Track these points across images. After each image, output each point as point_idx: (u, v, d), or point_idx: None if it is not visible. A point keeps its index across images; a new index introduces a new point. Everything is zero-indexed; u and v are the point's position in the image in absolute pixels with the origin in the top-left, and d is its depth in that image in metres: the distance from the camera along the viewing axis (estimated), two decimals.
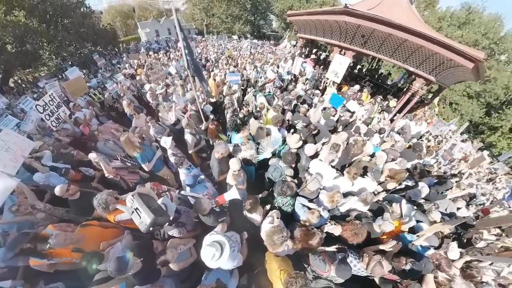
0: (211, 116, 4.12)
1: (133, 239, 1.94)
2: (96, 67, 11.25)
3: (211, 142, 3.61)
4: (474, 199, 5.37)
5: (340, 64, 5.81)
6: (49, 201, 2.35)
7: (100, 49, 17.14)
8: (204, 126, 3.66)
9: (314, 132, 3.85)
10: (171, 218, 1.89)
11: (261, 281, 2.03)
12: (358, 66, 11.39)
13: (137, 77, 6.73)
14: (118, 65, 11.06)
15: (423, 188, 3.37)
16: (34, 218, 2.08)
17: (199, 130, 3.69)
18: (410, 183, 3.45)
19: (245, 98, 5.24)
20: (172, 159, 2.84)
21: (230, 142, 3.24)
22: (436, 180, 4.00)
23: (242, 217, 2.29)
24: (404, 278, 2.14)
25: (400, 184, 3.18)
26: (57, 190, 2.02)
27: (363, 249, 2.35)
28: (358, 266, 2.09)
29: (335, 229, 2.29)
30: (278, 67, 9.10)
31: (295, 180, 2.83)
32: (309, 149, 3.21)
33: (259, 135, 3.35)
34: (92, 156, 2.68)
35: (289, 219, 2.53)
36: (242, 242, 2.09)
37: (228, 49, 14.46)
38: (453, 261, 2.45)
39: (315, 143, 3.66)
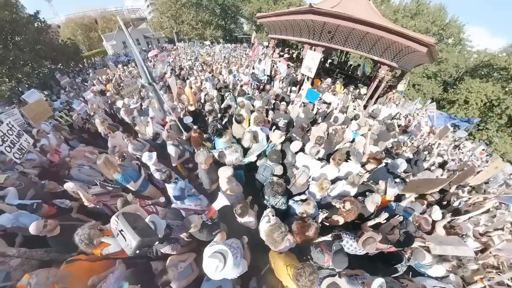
0: (192, 125, 3.98)
1: (127, 267, 1.79)
2: (59, 87, 10.21)
3: (196, 152, 3.50)
4: (446, 165, 5.94)
5: (312, 59, 6.02)
6: (23, 244, 2.05)
7: (62, 67, 15.63)
8: (186, 136, 3.53)
9: (307, 129, 3.95)
10: (161, 236, 1.79)
11: (270, 281, 2.00)
12: (329, 60, 11.90)
13: (108, 93, 6.16)
14: (85, 83, 10.15)
15: (402, 164, 3.70)
16: (8, 267, 1.80)
17: (182, 141, 3.55)
18: (389, 161, 3.79)
19: (224, 103, 5.17)
20: (156, 175, 2.68)
21: (214, 148, 3.17)
22: (411, 155, 4.45)
23: (239, 223, 2.25)
24: (400, 247, 2.30)
25: (380, 163, 3.44)
26: (33, 228, 1.77)
27: (361, 226, 2.50)
28: (354, 246, 2.14)
29: (336, 217, 2.38)
30: (253, 68, 9.15)
31: (283, 178, 2.85)
32: (295, 145, 3.30)
33: (247, 139, 3.32)
34: (69, 186, 2.40)
35: (285, 216, 2.54)
36: (244, 246, 2.04)
37: (202, 55, 14.21)
38: (437, 221, 2.83)
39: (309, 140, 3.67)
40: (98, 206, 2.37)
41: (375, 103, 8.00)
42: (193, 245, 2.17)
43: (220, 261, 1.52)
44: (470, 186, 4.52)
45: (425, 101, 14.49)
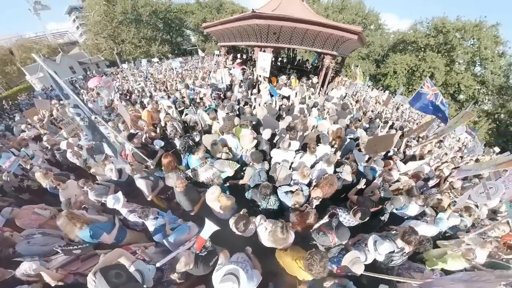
0: (158, 148, 3.54)
1: None
2: None
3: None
4: (394, 125, 7.06)
5: (264, 60, 6.22)
6: None
7: None
8: (152, 163, 3.16)
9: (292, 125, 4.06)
10: (150, 286, 1.55)
11: (286, 280, 1.97)
12: (280, 59, 12.46)
13: (44, 137, 4.81)
14: (8, 131, 7.54)
15: (362, 133, 4.44)
16: None
17: (151, 170, 3.18)
18: (352, 135, 4.40)
19: (188, 119, 4.86)
20: (131, 217, 2.32)
21: (188, 168, 2.95)
22: (367, 125, 5.26)
23: (236, 236, 2.12)
24: (383, 203, 2.67)
25: (345, 139, 3.97)
26: None
27: (348, 196, 2.74)
28: (347, 218, 2.34)
29: (316, 192, 2.53)
30: (210, 78, 8.94)
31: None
32: (266, 133, 3.49)
33: (216, 150, 3.18)
34: (25, 268, 1.72)
35: (278, 214, 2.55)
36: (250, 257, 1.94)
37: (152, 74, 13.22)
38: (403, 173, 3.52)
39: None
40: (68, 282, 1.81)
41: (327, 89, 8.74)
42: (193, 279, 1.95)
43: (234, 282, 1.42)
44: (419, 137, 5.82)
45: (364, 79, 16.65)
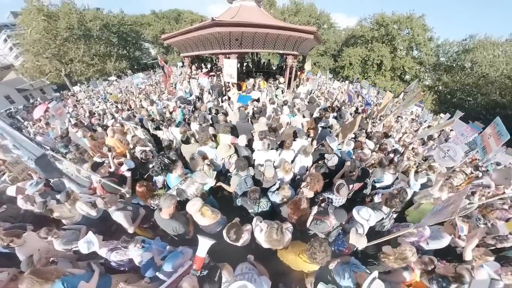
0: (128, 175, 3.04)
1: None
2: None
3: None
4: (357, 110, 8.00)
5: (230, 66, 6.25)
6: None
7: None
8: (127, 191, 2.86)
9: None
10: None
11: (295, 277, 1.97)
12: (245, 63, 12.62)
13: None
14: None
15: (333, 121, 4.93)
16: None
17: (127, 199, 2.86)
18: (323, 124, 4.75)
19: (160, 137, 4.56)
20: (114, 257, 2.05)
21: (169, 188, 2.78)
22: (335, 114, 5.71)
23: (234, 247, 2.03)
24: (363, 180, 2.95)
25: (317, 129, 4.35)
26: None
27: (333, 181, 2.88)
28: (335, 199, 2.51)
29: (308, 193, 2.60)
30: (175, 89, 8.60)
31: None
32: (241, 140, 3.55)
33: (195, 164, 3.07)
34: None
35: (272, 214, 2.56)
36: (254, 264, 1.90)
37: (111, 94, 12.14)
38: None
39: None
40: None
41: (294, 86, 9.16)
42: None
43: None
44: (381, 117, 6.62)
45: (325, 73, 18.25)
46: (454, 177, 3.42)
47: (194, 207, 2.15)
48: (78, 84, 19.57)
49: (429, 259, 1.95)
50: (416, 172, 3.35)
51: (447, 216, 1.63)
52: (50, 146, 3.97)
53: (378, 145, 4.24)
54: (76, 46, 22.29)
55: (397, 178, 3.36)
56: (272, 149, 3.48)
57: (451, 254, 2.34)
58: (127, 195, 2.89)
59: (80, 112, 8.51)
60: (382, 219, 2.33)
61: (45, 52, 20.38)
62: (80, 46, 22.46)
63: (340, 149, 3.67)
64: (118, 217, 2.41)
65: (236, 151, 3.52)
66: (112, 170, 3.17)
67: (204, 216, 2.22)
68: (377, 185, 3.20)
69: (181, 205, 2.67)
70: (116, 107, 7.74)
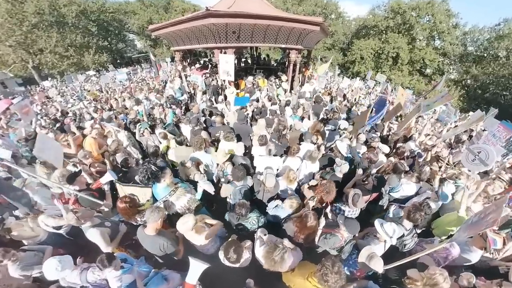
0: (107, 189, 2.92)
1: None
2: None
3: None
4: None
5: (227, 62, 6.40)
6: None
7: None
8: (107, 204, 2.82)
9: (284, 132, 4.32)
10: None
11: None
12: (243, 59, 12.87)
13: None
14: None
15: (342, 123, 4.92)
16: None
17: (105, 214, 2.79)
18: (330, 127, 4.84)
19: (145, 143, 4.56)
20: (90, 277, 1.94)
21: (156, 200, 2.74)
22: (346, 115, 5.81)
23: (231, 270, 2.05)
24: (379, 189, 2.96)
25: (324, 132, 4.38)
26: None
27: (344, 191, 2.93)
28: (347, 210, 2.52)
29: (309, 193, 2.68)
30: (165, 88, 8.72)
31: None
32: (239, 149, 3.61)
33: (186, 171, 3.11)
34: None
35: (274, 228, 2.57)
36: None
37: (89, 91, 12.24)
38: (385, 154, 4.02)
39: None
40: None
41: (299, 85, 9.33)
42: None
43: None
44: (397, 117, 6.80)
45: (334, 69, 18.42)
46: (491, 185, 3.24)
47: (186, 225, 2.11)
48: (49, 79, 19.28)
49: (467, 280, 1.89)
50: (443, 179, 3.28)
51: (486, 227, 1.64)
52: (13, 151, 3.95)
53: (394, 150, 4.32)
54: (47, 35, 21.31)
55: (421, 187, 3.30)
56: (275, 155, 3.54)
57: (483, 270, 2.30)
58: (107, 209, 2.81)
59: (51, 111, 8.31)
60: (403, 235, 2.27)
61: (8, 39, 19.37)
62: (52, 35, 21.53)
63: (349, 155, 3.69)
64: (93, 235, 2.26)
65: (230, 158, 3.59)
66: (89, 181, 3.05)
67: (198, 233, 2.17)
68: (395, 195, 3.16)
69: (169, 219, 2.71)
70: (95, 106, 7.78)
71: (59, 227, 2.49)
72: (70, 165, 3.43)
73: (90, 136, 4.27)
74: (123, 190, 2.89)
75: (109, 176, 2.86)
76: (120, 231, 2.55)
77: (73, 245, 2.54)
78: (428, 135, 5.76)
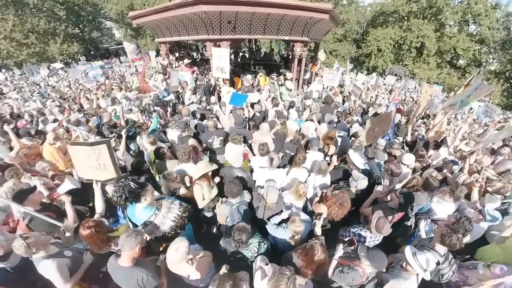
0: (67, 200, 2.70)
1: None
2: None
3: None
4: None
5: (221, 57, 6.53)
6: None
7: None
8: (67, 227, 2.63)
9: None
10: None
11: None
12: (240, 54, 13.09)
13: None
14: None
15: (358, 129, 4.89)
16: None
17: (66, 240, 2.63)
18: (342, 133, 4.83)
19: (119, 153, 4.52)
20: None
21: (134, 225, 2.62)
22: (360, 117, 5.86)
23: None
24: (406, 207, 2.86)
25: (336, 141, 4.36)
26: None
27: (360, 211, 2.89)
28: (368, 236, 2.45)
29: (319, 207, 2.65)
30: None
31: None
32: (235, 160, 3.60)
33: (169, 185, 3.17)
34: None
35: (274, 254, 2.56)
36: None
37: (54, 87, 12.28)
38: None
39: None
40: None
41: (303, 82, 9.49)
42: None
43: None
44: (422, 119, 6.77)
45: (345, 64, 18.63)
46: None
47: (178, 253, 2.00)
48: (3, 70, 18.72)
49: None
50: (484, 191, 3.23)
51: None
52: None
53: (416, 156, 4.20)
54: (1, 17, 20.91)
55: (460, 205, 3.23)
56: (278, 167, 3.59)
57: None
58: (68, 234, 2.65)
59: (4, 110, 7.89)
60: (438, 263, 2.13)
61: None
62: (7, 17, 21.00)
63: (366, 166, 3.65)
64: (47, 268, 2.07)
65: (219, 169, 3.61)
66: (46, 194, 2.92)
67: (191, 267, 2.11)
68: (426, 213, 3.11)
69: (147, 246, 2.55)
70: (60, 105, 7.70)
71: (3, 259, 2.29)
72: (27, 177, 3.25)
73: (48, 143, 4.11)
74: (75, 152, 2.80)
75: (68, 185, 2.67)
76: (84, 262, 2.36)
77: (20, 282, 2.34)
78: (465, 139, 5.59)
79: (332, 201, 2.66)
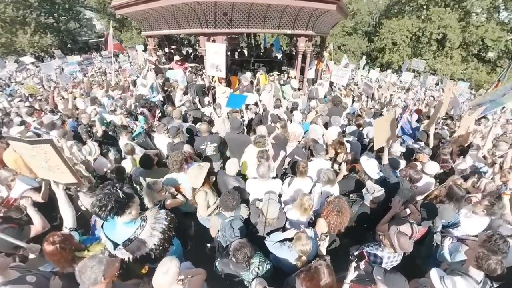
0: (29, 205, 2.65)
1: None
2: None
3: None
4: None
5: (216, 53, 6.62)
6: None
7: None
8: (32, 248, 2.40)
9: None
10: None
11: None
12: (238, 50, 13.23)
13: None
14: None
15: (369, 132, 4.97)
16: None
17: (31, 262, 2.46)
18: (351, 138, 4.88)
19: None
20: None
21: (115, 246, 2.37)
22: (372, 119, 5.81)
23: None
24: (426, 225, 2.83)
25: (346, 149, 4.38)
26: None
27: (376, 229, 2.86)
28: (386, 256, 2.42)
29: (319, 225, 2.67)
30: (135, 85, 8.91)
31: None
32: (231, 168, 3.62)
33: (152, 197, 3.07)
34: None
35: (276, 277, 2.57)
36: None
37: (22, 83, 12.32)
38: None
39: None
40: None
41: (308, 82, 9.63)
42: None
43: None
44: (443, 118, 6.79)
45: (356, 59, 18.69)
46: None
47: (169, 276, 1.93)
48: None
49: None
50: None
51: None
52: None
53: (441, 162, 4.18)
54: None
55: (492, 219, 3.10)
56: (275, 177, 3.68)
57: None
58: (33, 255, 2.50)
59: None
60: None
61: None
62: None
63: (380, 172, 3.59)
64: None
65: (216, 179, 3.69)
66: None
67: (184, 285, 2.09)
68: (455, 232, 3.00)
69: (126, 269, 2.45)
70: (30, 105, 7.64)
71: None
72: None
73: (12, 149, 3.75)
74: (16, 148, 2.56)
75: (21, 186, 2.55)
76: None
77: None
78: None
79: (328, 209, 2.65)
